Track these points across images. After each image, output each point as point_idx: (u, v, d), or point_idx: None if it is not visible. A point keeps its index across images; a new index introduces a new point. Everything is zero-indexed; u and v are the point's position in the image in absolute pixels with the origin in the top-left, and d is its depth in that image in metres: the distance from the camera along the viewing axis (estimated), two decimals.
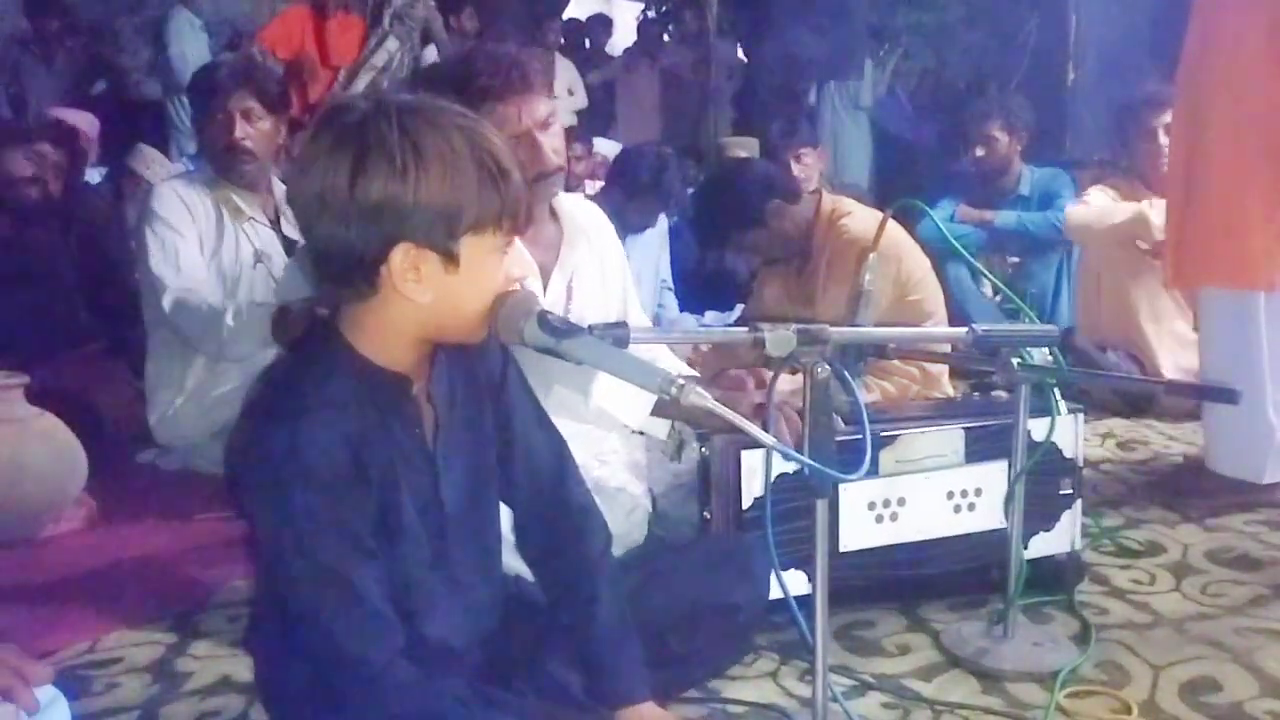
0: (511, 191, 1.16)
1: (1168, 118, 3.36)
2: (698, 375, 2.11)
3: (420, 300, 1.17)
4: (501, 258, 1.20)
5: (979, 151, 4.37)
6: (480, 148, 1.15)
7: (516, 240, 1.23)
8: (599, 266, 2.02)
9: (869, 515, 1.87)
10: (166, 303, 2.64)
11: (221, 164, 2.84)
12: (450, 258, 1.15)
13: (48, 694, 1.13)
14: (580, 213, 2.02)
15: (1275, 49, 2.27)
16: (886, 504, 1.88)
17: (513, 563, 1.49)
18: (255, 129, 2.81)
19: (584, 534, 1.41)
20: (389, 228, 1.13)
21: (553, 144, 1.83)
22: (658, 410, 1.96)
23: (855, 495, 1.85)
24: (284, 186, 3.06)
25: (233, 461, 1.23)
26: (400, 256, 1.14)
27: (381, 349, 1.21)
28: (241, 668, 1.73)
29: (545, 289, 1.92)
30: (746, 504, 1.80)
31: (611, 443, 1.96)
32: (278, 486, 1.15)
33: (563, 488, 1.43)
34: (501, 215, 1.16)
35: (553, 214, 1.96)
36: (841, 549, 1.84)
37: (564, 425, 1.48)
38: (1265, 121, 2.28)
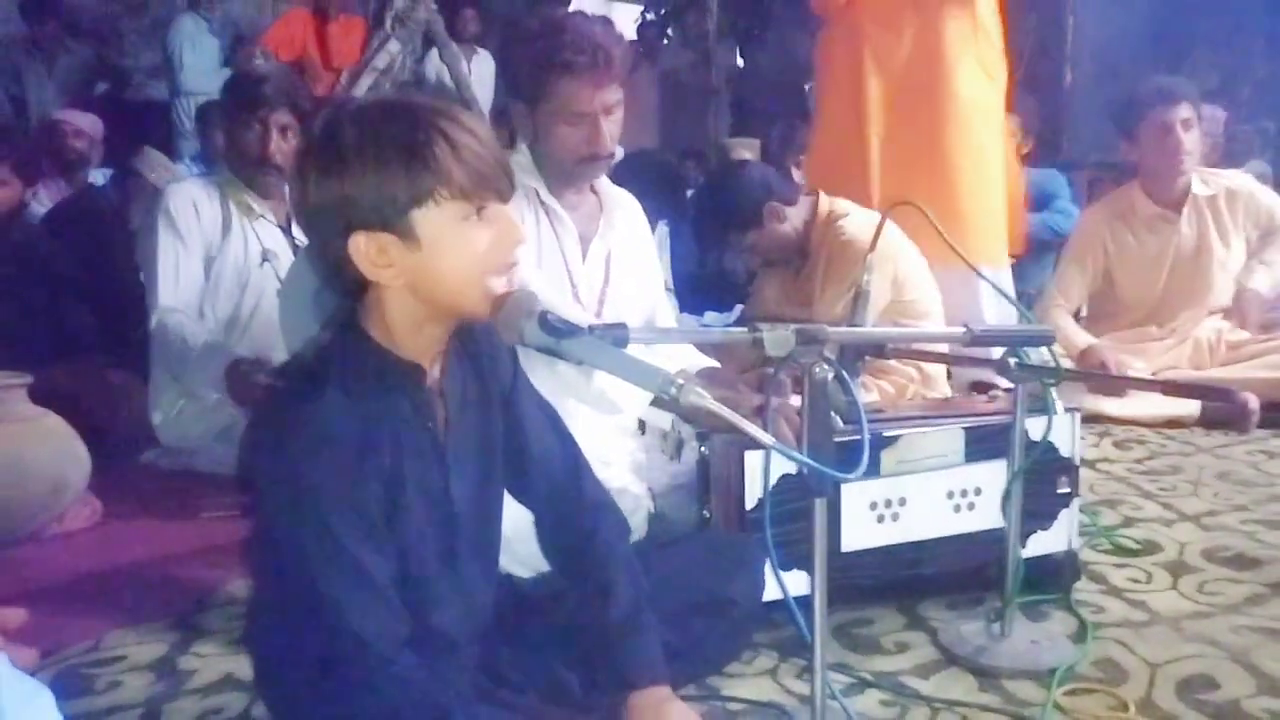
0: (446, 158, 1.14)
1: (1183, 111, 3.38)
2: (717, 365, 2.12)
3: (395, 284, 1.18)
4: (477, 225, 1.18)
5: None
6: (405, 123, 1.15)
7: (507, 210, 1.22)
8: (634, 246, 2.08)
9: (870, 515, 1.88)
10: (151, 322, 2.75)
11: (245, 173, 2.85)
12: (407, 235, 1.16)
13: (29, 685, 1.12)
14: (618, 194, 2.10)
15: None
16: (888, 504, 1.89)
17: (505, 562, 1.50)
18: (287, 145, 2.80)
19: (600, 529, 1.44)
20: (338, 220, 1.17)
21: (611, 130, 1.91)
22: (656, 407, 1.97)
23: (857, 495, 1.86)
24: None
25: (248, 442, 1.23)
26: (360, 245, 1.16)
27: (393, 335, 1.23)
28: (244, 666, 1.73)
29: (585, 256, 1.99)
30: (750, 505, 1.80)
31: (615, 443, 1.97)
32: (292, 463, 1.16)
33: (577, 487, 1.46)
34: (439, 184, 1.15)
35: (592, 189, 2.04)
36: (843, 549, 1.85)
37: (568, 407, 1.49)
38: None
